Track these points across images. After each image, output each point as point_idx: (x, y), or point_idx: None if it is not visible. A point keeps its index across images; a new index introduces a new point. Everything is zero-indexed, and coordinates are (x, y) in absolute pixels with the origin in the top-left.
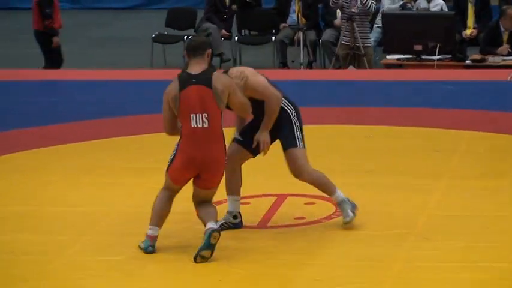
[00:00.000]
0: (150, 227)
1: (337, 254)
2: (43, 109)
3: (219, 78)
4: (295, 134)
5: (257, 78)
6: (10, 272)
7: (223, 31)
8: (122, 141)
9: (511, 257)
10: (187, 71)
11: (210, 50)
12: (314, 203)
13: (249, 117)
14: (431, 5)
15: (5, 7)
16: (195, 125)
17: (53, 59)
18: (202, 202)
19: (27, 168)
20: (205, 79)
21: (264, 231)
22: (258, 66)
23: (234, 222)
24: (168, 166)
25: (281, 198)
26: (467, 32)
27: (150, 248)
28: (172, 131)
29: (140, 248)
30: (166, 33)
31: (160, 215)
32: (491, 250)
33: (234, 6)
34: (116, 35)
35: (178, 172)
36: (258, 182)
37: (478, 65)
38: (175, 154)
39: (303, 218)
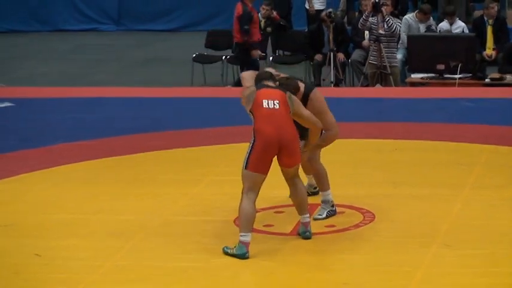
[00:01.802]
0: (242, 234)
1: (365, 260)
2: (91, 124)
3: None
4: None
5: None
6: (61, 276)
7: (259, 52)
8: (166, 154)
9: None
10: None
11: None
12: (343, 212)
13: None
14: (453, 27)
15: (55, 29)
16: (267, 106)
17: (250, 68)
18: (293, 181)
19: (77, 180)
20: (282, 89)
21: (296, 239)
22: None
23: (314, 192)
24: (246, 163)
25: (313, 207)
26: (487, 53)
27: (247, 254)
28: None
29: (230, 253)
30: (205, 53)
31: (249, 221)
32: (510, 256)
33: (269, 29)
34: (159, 55)
35: (260, 156)
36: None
37: (496, 83)
38: (253, 144)
39: (333, 226)
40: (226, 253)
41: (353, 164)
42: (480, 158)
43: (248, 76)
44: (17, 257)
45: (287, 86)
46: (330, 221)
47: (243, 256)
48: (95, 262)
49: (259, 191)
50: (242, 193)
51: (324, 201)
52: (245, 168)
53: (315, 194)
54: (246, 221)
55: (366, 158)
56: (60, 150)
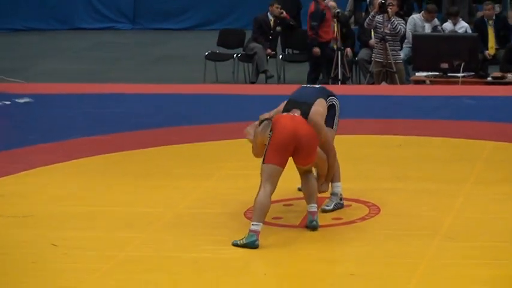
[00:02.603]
0: (254, 223)
1: (371, 252)
2: (107, 119)
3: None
4: (334, 119)
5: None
6: (77, 266)
7: (269, 50)
8: (179, 148)
9: None
10: None
11: None
12: (350, 205)
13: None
14: (457, 27)
15: (73, 27)
16: (287, 113)
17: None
18: (305, 174)
19: (94, 173)
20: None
21: (304, 230)
22: (301, 82)
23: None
24: (264, 157)
25: (320, 200)
26: (490, 52)
27: (257, 242)
28: None
29: (240, 244)
30: (217, 51)
31: (262, 211)
32: (511, 249)
33: (279, 28)
34: (172, 53)
35: (277, 148)
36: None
37: (498, 81)
38: (269, 139)
39: (340, 218)
40: (236, 245)
41: (359, 159)
42: (482, 154)
43: (250, 128)
44: (35, 247)
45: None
46: (337, 213)
47: (252, 244)
48: (109, 252)
49: (276, 184)
50: (260, 186)
51: (334, 194)
52: (263, 162)
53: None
54: (259, 211)
55: (372, 153)
56: (77, 144)
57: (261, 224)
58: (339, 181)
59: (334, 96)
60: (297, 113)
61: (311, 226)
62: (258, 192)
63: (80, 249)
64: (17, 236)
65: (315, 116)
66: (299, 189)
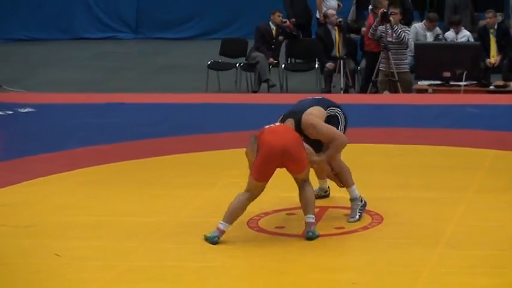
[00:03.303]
0: (221, 222)
1: (373, 260)
2: (109, 129)
3: None
4: (339, 127)
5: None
6: (80, 276)
7: (271, 59)
8: (182, 158)
9: None
10: None
11: None
12: None
13: None
14: (459, 36)
15: (75, 37)
16: (269, 126)
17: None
18: (302, 184)
19: (96, 182)
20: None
21: (306, 240)
22: (303, 91)
23: (325, 195)
24: (251, 170)
25: (323, 210)
26: (491, 61)
27: (216, 238)
28: None
29: (205, 237)
30: (220, 60)
31: (234, 214)
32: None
33: (281, 37)
34: (175, 62)
35: (261, 166)
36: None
37: (500, 90)
38: (256, 155)
39: (342, 227)
40: (205, 238)
41: (362, 168)
42: (484, 162)
43: (249, 149)
44: (38, 257)
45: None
46: (339, 222)
47: (211, 239)
48: (111, 262)
49: (257, 196)
50: (243, 191)
51: (353, 199)
52: (250, 175)
53: (324, 197)
54: (231, 214)
55: (374, 162)
56: (79, 154)
57: (228, 225)
58: (353, 184)
59: (337, 107)
60: (289, 122)
61: (307, 237)
62: (237, 196)
63: (82, 259)
64: (20, 245)
65: (305, 117)
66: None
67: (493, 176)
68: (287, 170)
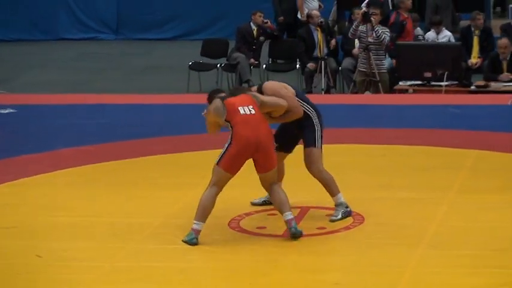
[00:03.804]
0: (195, 221)
1: (355, 261)
2: (92, 130)
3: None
4: (315, 135)
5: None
6: (62, 277)
7: (252, 60)
8: (164, 158)
9: None
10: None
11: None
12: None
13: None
14: (440, 36)
15: (56, 38)
16: (244, 112)
17: None
18: (271, 187)
19: (79, 183)
20: (243, 91)
21: (288, 240)
22: None
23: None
24: (219, 160)
25: (304, 210)
26: (472, 61)
27: (194, 239)
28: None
29: (184, 241)
30: (201, 61)
31: (205, 211)
32: (494, 257)
33: (262, 38)
34: (156, 63)
35: (234, 158)
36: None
37: (481, 90)
38: (229, 144)
39: (324, 228)
40: (183, 241)
41: (343, 168)
42: (466, 163)
43: (214, 111)
44: (19, 258)
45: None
46: (321, 223)
47: (191, 241)
48: (94, 263)
49: (222, 187)
50: (208, 185)
51: (338, 205)
52: (217, 164)
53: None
54: (202, 211)
55: (356, 162)
56: (62, 155)
57: (202, 223)
58: (339, 192)
59: (310, 105)
60: (253, 88)
61: (292, 234)
62: (204, 192)
63: (66, 260)
64: (1, 247)
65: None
66: (252, 204)
67: (475, 176)
68: (256, 166)
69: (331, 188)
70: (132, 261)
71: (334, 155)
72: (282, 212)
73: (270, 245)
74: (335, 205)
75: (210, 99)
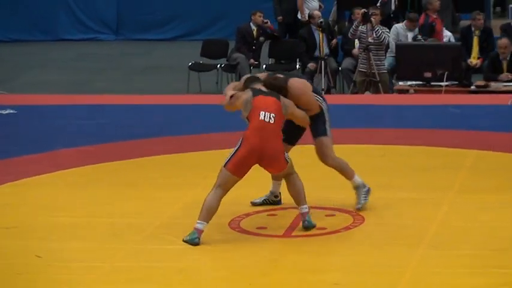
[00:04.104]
0: (198, 221)
1: (355, 261)
2: (92, 130)
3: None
4: (326, 124)
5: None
6: (62, 277)
7: (252, 60)
8: (164, 159)
9: None
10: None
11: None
12: (334, 215)
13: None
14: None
15: (56, 39)
16: (263, 119)
17: None
18: (287, 177)
19: (79, 183)
20: (275, 95)
21: (288, 240)
22: None
23: (275, 200)
24: (227, 162)
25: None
26: (473, 61)
27: (196, 239)
28: None
29: (185, 240)
30: (201, 62)
31: (210, 212)
32: (494, 257)
33: (262, 38)
34: (156, 64)
35: (240, 162)
36: (283, 197)
37: (481, 90)
38: (238, 148)
39: (324, 228)
40: (184, 241)
41: None
42: (465, 163)
43: (231, 85)
44: (20, 258)
45: (275, 87)
46: (321, 223)
47: (192, 241)
48: (94, 263)
49: (228, 190)
50: (213, 186)
51: (356, 187)
52: (224, 166)
53: (275, 203)
54: (206, 212)
55: (356, 162)
56: (62, 155)
57: (206, 223)
58: (354, 174)
59: (321, 97)
60: (260, 85)
61: (304, 226)
62: (209, 193)
63: (65, 261)
64: (1, 247)
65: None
66: (252, 204)
67: (475, 176)
68: (265, 168)
69: (346, 172)
70: (132, 261)
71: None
72: (298, 204)
73: (270, 245)
74: (353, 188)
75: (246, 85)
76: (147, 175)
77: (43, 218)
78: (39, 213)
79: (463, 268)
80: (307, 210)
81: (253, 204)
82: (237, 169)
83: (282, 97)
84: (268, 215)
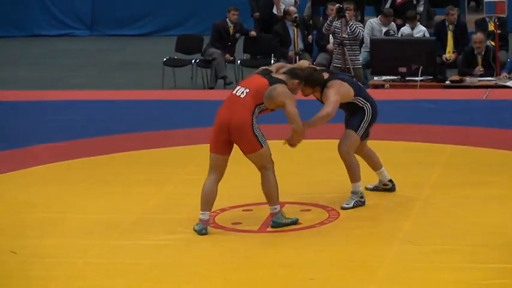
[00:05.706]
0: (201, 212)
1: (330, 256)
2: (65, 126)
3: (280, 86)
4: (362, 123)
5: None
6: (35, 273)
7: (227, 55)
8: (138, 155)
9: (489, 259)
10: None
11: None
12: (309, 210)
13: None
14: (415, 31)
15: (30, 34)
16: (235, 93)
17: None
18: (261, 172)
19: (52, 180)
20: (271, 78)
21: (264, 236)
22: None
23: (386, 188)
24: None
25: (280, 205)
26: (447, 56)
27: (203, 230)
28: None
29: (195, 230)
30: (175, 57)
31: (208, 200)
32: (470, 252)
33: (238, 35)
34: (131, 59)
35: (215, 136)
36: (260, 192)
37: (456, 85)
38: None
39: (299, 223)
40: (194, 230)
41: (318, 164)
42: (441, 158)
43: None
44: None
45: (311, 78)
46: (297, 218)
47: (200, 232)
48: (69, 259)
49: (221, 171)
50: (208, 175)
51: (353, 192)
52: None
53: (386, 190)
54: (204, 200)
55: (331, 158)
56: (35, 151)
57: (208, 212)
58: (359, 180)
59: (365, 99)
60: (273, 67)
61: (271, 226)
62: (205, 183)
63: (40, 257)
64: None
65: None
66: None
67: (450, 171)
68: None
69: (353, 173)
70: (107, 257)
71: (310, 150)
72: (268, 204)
73: (245, 241)
74: (351, 192)
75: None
76: (121, 171)
77: (17, 214)
78: (13, 210)
79: (439, 263)
80: (277, 211)
81: (367, 188)
82: (213, 146)
83: (275, 87)
84: (243, 210)
